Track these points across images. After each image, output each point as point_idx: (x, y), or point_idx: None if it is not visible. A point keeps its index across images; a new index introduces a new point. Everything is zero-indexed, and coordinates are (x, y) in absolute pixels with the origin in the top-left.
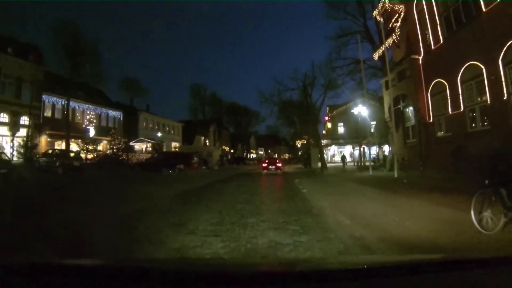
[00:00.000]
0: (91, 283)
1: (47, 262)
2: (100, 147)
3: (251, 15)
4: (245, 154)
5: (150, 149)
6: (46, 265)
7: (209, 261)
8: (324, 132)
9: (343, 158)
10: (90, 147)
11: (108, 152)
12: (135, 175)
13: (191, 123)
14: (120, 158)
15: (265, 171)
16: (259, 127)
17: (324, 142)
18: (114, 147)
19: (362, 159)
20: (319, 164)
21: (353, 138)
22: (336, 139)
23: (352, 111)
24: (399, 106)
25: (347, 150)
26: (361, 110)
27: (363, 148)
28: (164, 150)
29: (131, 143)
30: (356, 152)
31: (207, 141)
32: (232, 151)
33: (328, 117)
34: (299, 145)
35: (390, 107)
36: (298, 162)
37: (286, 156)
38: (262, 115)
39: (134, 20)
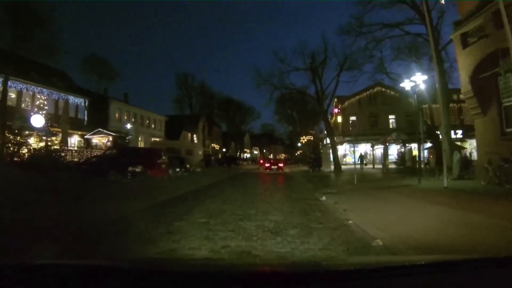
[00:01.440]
0: (89, 283)
1: (47, 262)
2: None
3: None
4: (238, 153)
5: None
6: (46, 265)
7: (209, 261)
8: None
9: (362, 158)
10: (21, 140)
11: (41, 148)
12: (45, 185)
13: (177, 117)
14: (58, 156)
15: (268, 170)
16: (254, 123)
17: (328, 141)
18: (49, 142)
19: (386, 161)
20: (332, 167)
21: (369, 135)
22: (348, 136)
23: (403, 88)
24: (490, 72)
25: (360, 149)
26: (419, 81)
27: (387, 147)
28: (142, 146)
29: (87, 136)
30: (378, 152)
31: (195, 138)
32: (224, 150)
33: (338, 109)
34: (299, 144)
35: (471, 75)
36: (297, 163)
37: (282, 156)
38: (257, 111)
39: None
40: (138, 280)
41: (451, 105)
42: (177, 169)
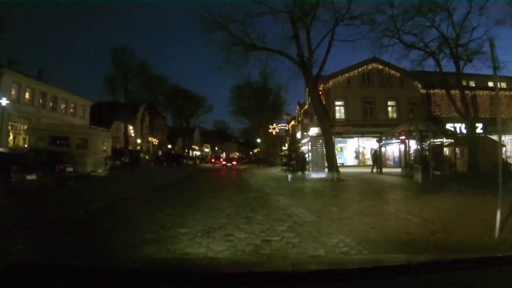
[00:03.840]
0: (89, 284)
1: (46, 262)
2: None
3: None
4: (186, 151)
5: None
6: (45, 266)
7: (209, 261)
8: (302, 116)
9: (376, 157)
10: None
11: None
12: None
13: (109, 104)
14: None
15: (224, 167)
16: (206, 117)
17: (314, 132)
18: None
19: (411, 161)
20: (326, 171)
21: (361, 126)
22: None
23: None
24: None
25: (352, 144)
26: None
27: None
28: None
29: None
30: (390, 149)
31: (132, 131)
32: (170, 146)
33: (320, 91)
34: (259, 140)
35: None
36: (256, 163)
37: (236, 155)
38: (209, 103)
39: None
40: (139, 280)
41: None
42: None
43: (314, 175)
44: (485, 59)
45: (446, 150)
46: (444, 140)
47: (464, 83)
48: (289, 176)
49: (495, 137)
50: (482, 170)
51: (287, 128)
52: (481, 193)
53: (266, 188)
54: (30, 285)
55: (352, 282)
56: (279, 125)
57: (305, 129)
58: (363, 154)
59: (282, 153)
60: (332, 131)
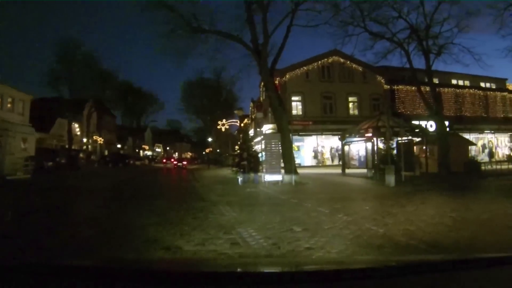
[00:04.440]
0: (89, 284)
1: (45, 263)
2: None
3: None
4: (137, 150)
5: None
6: (45, 266)
7: (209, 262)
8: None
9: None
10: None
11: None
12: None
13: (52, 100)
14: None
15: (176, 167)
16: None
17: (269, 128)
18: None
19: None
20: (282, 172)
21: (321, 123)
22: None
23: None
24: None
25: (310, 143)
26: None
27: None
28: None
29: None
30: (354, 148)
31: (77, 129)
32: (119, 145)
33: (277, 85)
34: (210, 139)
35: None
36: (207, 163)
37: (189, 155)
38: (161, 101)
39: None
40: (138, 281)
41: None
42: None
43: (269, 178)
44: (458, 53)
45: (414, 149)
46: (410, 138)
47: (426, 79)
48: (240, 178)
49: (466, 135)
50: (453, 169)
51: (238, 125)
52: (476, 198)
53: (211, 195)
54: (30, 285)
55: (352, 282)
56: (229, 121)
57: (258, 125)
58: (322, 154)
59: (234, 152)
60: (289, 128)
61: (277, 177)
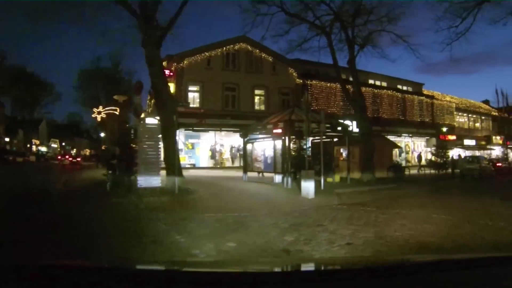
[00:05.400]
0: (89, 284)
1: (48, 263)
2: None
3: None
4: (28, 146)
5: None
6: (44, 266)
7: (210, 263)
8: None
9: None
10: None
11: None
12: None
13: None
14: None
15: (70, 163)
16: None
17: (150, 119)
18: None
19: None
20: (158, 175)
21: (227, 118)
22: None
23: None
24: None
25: (207, 140)
26: None
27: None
28: None
29: None
30: (259, 148)
31: None
32: (8, 139)
33: (171, 71)
34: (102, 134)
35: None
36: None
37: (87, 152)
38: (57, 91)
39: None
40: (141, 281)
41: None
42: None
43: (144, 183)
44: (383, 45)
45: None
46: (331, 137)
47: (351, 75)
48: (108, 184)
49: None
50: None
51: (116, 113)
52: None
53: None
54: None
55: (353, 282)
56: (106, 108)
57: (136, 112)
58: (221, 153)
59: (103, 147)
60: (176, 120)
61: (155, 181)
